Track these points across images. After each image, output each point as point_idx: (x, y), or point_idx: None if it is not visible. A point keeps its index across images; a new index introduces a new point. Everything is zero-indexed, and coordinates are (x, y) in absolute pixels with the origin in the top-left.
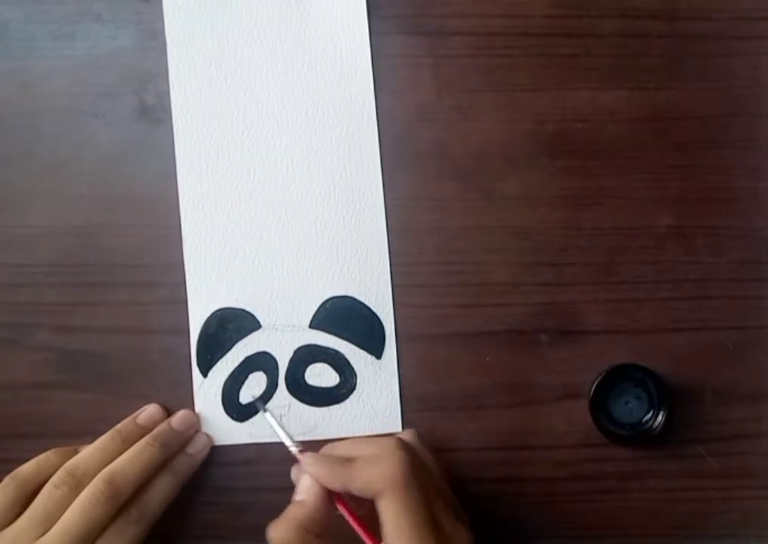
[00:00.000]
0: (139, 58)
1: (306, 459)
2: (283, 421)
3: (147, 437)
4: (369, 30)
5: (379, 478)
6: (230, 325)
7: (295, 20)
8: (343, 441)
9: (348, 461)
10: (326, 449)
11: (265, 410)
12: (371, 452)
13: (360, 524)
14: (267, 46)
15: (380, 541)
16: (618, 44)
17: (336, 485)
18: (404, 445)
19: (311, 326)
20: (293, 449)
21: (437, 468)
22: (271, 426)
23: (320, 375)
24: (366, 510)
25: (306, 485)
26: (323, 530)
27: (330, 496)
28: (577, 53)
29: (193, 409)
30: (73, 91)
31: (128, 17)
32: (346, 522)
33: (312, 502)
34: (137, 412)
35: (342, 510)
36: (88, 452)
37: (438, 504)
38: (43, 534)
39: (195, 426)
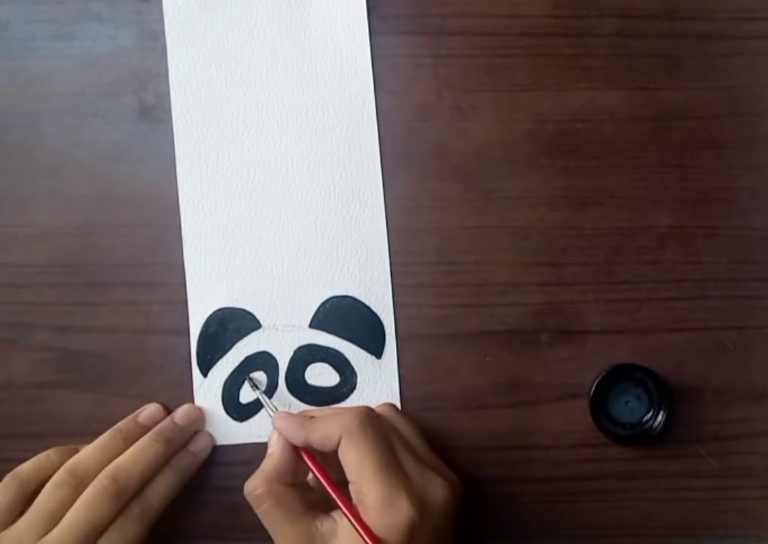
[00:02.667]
0: (139, 58)
1: (277, 415)
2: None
3: (150, 433)
4: (369, 30)
5: (336, 428)
6: (230, 325)
7: (295, 20)
8: (312, 409)
9: (311, 418)
10: (301, 413)
11: (255, 385)
12: (333, 412)
13: (323, 475)
14: (267, 46)
15: (342, 492)
16: (618, 44)
17: (298, 439)
18: (364, 406)
19: (311, 326)
20: (270, 412)
21: (412, 433)
22: (258, 397)
23: (320, 375)
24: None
25: (274, 439)
26: (293, 480)
27: (297, 450)
28: (577, 53)
29: None
30: (73, 91)
31: (128, 17)
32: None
33: (278, 454)
34: (137, 411)
35: (307, 461)
36: (88, 452)
37: (404, 455)
38: (46, 534)
39: (199, 420)
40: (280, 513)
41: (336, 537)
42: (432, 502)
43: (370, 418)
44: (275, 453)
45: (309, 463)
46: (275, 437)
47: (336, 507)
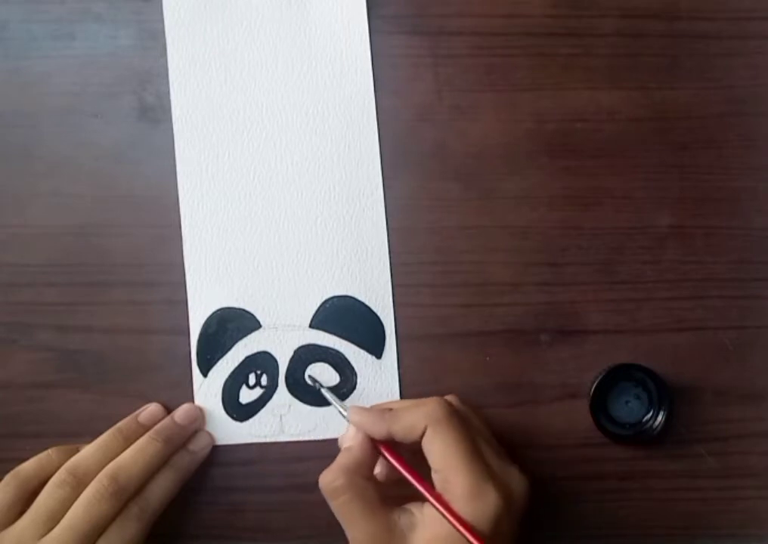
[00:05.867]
0: (139, 58)
1: (352, 410)
2: (283, 421)
3: (150, 433)
4: (369, 30)
5: (421, 418)
6: (230, 325)
7: (295, 20)
8: (386, 402)
9: (391, 410)
10: (372, 407)
11: (317, 382)
12: (412, 404)
13: (405, 467)
14: (267, 46)
15: (427, 483)
16: (618, 44)
17: (380, 432)
18: (440, 397)
19: (311, 326)
20: (341, 410)
21: (483, 426)
22: (323, 394)
23: (321, 375)
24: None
25: (351, 434)
26: (371, 474)
27: (374, 443)
28: (577, 53)
29: None
30: (73, 91)
31: (128, 17)
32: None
33: (357, 447)
34: (138, 411)
35: (387, 455)
36: (88, 451)
37: (484, 446)
38: (47, 533)
39: (198, 419)
40: (358, 506)
41: (414, 531)
42: (514, 492)
43: (454, 411)
44: (354, 447)
45: (388, 456)
46: (352, 432)
47: (411, 500)
